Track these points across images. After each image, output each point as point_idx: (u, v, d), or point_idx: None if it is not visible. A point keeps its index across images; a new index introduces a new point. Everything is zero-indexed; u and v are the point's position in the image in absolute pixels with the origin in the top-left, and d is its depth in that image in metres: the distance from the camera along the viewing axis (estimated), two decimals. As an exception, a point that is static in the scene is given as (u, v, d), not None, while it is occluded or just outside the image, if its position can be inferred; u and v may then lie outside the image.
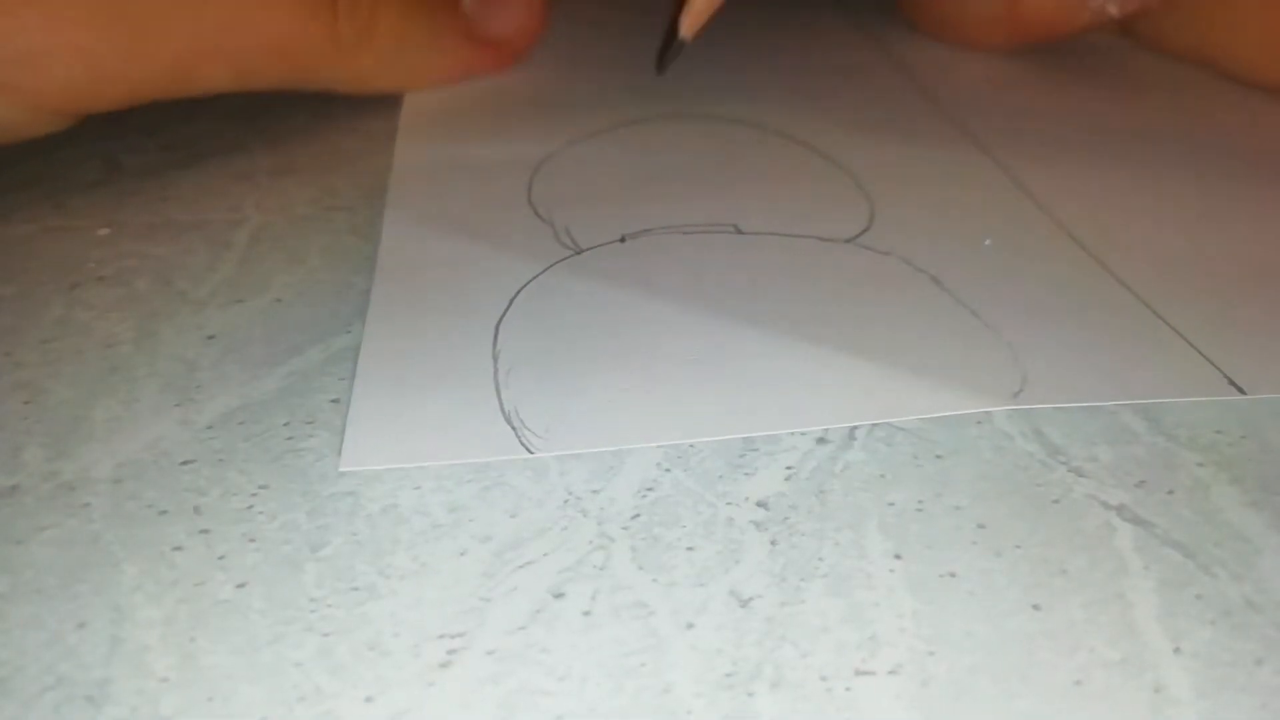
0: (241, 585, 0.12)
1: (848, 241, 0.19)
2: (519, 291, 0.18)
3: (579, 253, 0.19)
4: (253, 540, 0.13)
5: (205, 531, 0.13)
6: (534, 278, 0.18)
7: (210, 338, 0.17)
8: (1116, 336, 0.17)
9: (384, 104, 0.25)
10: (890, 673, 0.11)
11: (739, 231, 0.20)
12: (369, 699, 0.11)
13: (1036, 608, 0.12)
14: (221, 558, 0.13)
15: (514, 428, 0.15)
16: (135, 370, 0.16)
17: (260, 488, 0.14)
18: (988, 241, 0.19)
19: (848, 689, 0.11)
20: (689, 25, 0.23)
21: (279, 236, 0.20)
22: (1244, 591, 0.12)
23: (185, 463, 0.14)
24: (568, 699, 0.11)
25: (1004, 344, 0.17)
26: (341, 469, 0.14)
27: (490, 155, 0.23)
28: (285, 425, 0.15)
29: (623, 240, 0.19)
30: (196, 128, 0.24)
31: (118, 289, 0.18)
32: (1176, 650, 0.12)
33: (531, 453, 0.14)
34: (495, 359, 0.16)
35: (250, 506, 0.14)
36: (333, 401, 0.15)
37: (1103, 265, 0.19)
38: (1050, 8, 0.25)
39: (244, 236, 0.20)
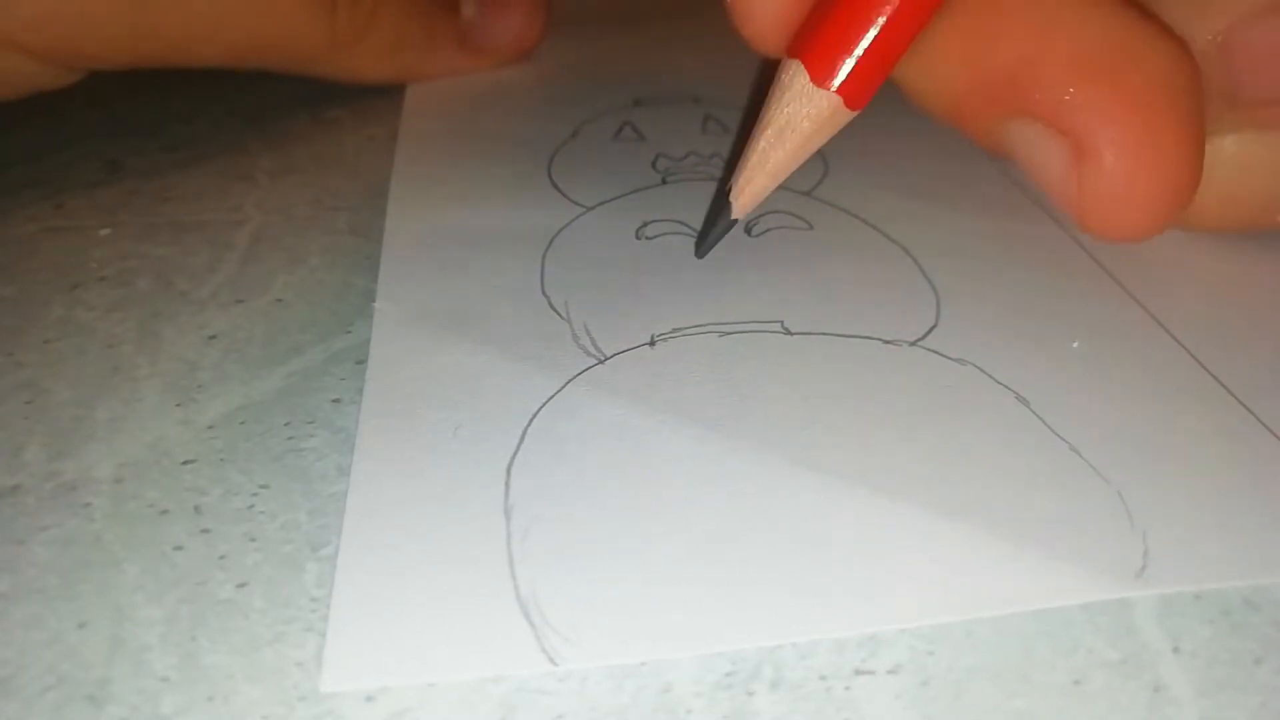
0: (242, 585, 0.12)
1: (913, 344, 0.16)
2: (533, 418, 0.15)
3: (602, 361, 0.16)
4: (253, 540, 0.13)
5: (206, 531, 0.13)
6: (550, 398, 0.15)
7: (211, 338, 0.17)
8: (1256, 478, 0.14)
9: (385, 105, 0.25)
10: (890, 673, 0.11)
11: (786, 331, 0.17)
12: (369, 698, 0.11)
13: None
14: (222, 557, 0.13)
15: (533, 624, 0.12)
16: (136, 370, 0.16)
17: (261, 487, 0.14)
18: (1075, 344, 0.16)
19: (847, 689, 0.11)
20: (744, 204, 0.17)
21: (280, 236, 0.20)
22: (1243, 591, 0.12)
23: (186, 462, 0.14)
24: (568, 699, 0.11)
25: (1114, 494, 0.14)
26: (323, 689, 0.11)
27: (496, 167, 0.22)
28: (286, 425, 0.15)
29: (652, 344, 0.16)
30: (197, 128, 0.24)
31: (119, 289, 0.18)
32: (1176, 650, 0.12)
33: (555, 664, 0.11)
34: (508, 515, 0.13)
35: (251, 506, 0.14)
36: (334, 401, 0.15)
37: (1218, 380, 0.16)
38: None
39: (245, 236, 0.20)
